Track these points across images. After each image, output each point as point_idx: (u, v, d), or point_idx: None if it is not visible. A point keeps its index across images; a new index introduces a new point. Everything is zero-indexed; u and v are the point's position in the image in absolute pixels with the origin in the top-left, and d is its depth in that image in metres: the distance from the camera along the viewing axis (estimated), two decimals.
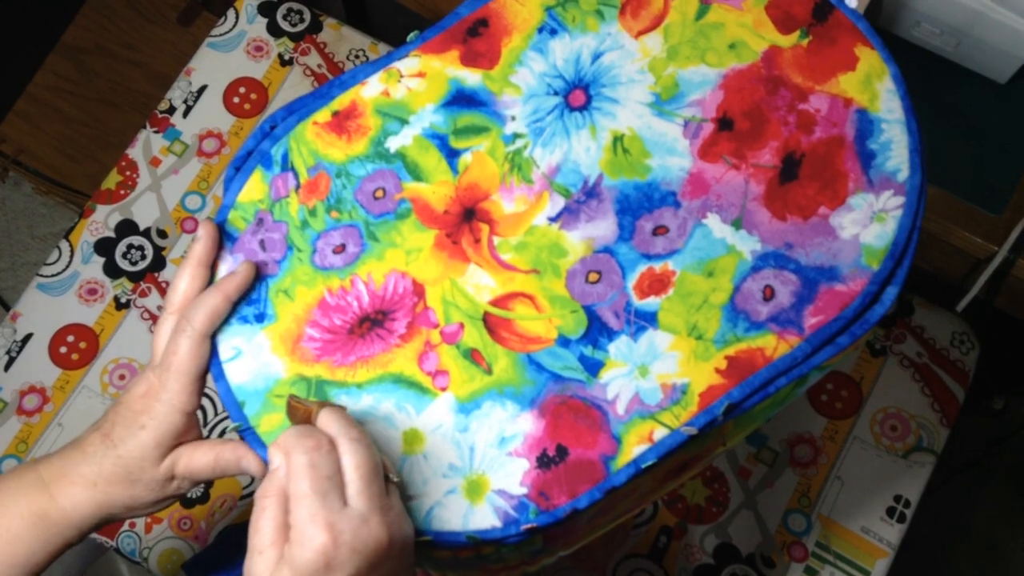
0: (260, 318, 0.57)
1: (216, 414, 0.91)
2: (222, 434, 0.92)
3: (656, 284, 0.57)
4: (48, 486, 0.55)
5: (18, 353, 0.95)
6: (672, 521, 0.89)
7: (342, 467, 0.48)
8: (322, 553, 0.46)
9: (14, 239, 1.50)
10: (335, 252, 0.58)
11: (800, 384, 0.56)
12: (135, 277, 0.97)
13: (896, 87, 0.59)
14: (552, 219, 0.58)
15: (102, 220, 0.99)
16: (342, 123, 0.61)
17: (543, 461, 0.54)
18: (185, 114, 1.01)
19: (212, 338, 0.56)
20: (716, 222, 0.58)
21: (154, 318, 0.95)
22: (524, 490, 0.53)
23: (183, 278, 0.57)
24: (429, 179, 0.59)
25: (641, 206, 0.58)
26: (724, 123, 0.59)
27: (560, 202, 0.59)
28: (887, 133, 0.58)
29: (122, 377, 0.93)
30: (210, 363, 0.56)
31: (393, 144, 0.60)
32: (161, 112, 1.02)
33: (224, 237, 0.59)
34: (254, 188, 0.60)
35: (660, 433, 0.54)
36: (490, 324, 0.56)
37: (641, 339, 0.56)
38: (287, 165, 0.60)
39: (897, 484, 0.90)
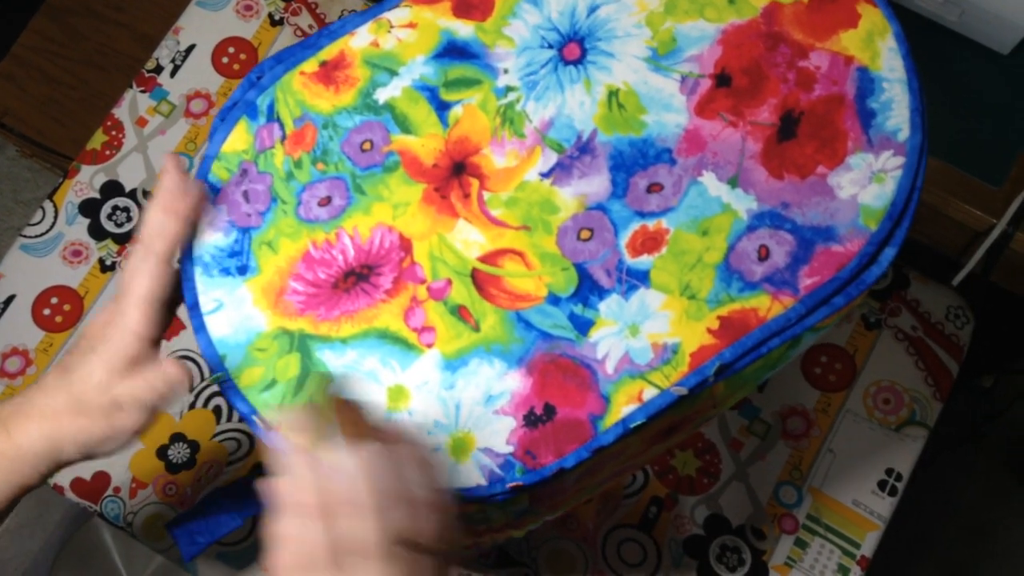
0: (242, 270, 0.56)
1: (202, 379, 0.90)
2: (208, 400, 0.90)
3: (649, 242, 0.55)
4: (6, 423, 0.54)
5: (1, 314, 0.93)
6: (663, 492, 0.88)
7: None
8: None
9: None
10: (320, 205, 0.57)
11: (793, 346, 0.55)
12: (120, 239, 0.95)
13: (898, 45, 0.58)
14: (544, 175, 0.57)
15: (87, 181, 0.97)
16: (330, 73, 0.59)
17: (530, 420, 0.52)
18: (172, 74, 1.00)
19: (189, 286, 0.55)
20: (712, 180, 0.56)
21: None
22: (510, 448, 0.52)
23: (152, 211, 0.55)
24: (418, 132, 0.58)
25: (635, 163, 0.57)
26: (722, 79, 0.58)
27: (552, 157, 0.57)
28: (888, 92, 0.57)
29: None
30: (181, 296, 0.55)
31: (382, 96, 0.59)
32: (148, 71, 1.00)
33: (208, 188, 0.57)
34: (239, 138, 0.58)
35: (650, 393, 0.53)
36: (478, 281, 0.55)
37: (632, 298, 0.54)
38: (273, 116, 0.59)
39: (889, 457, 0.89)
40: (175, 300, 0.55)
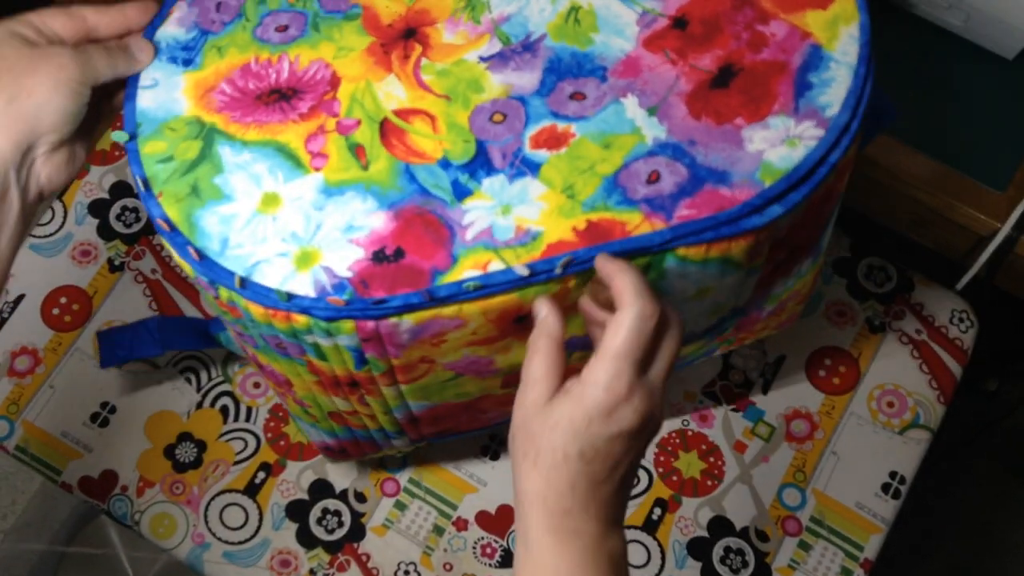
0: (187, 63, 0.60)
1: (210, 379, 0.91)
2: (216, 400, 0.91)
3: (552, 140, 0.57)
4: None
5: (10, 314, 0.94)
6: (666, 493, 0.87)
7: (660, 343, 0.51)
8: (613, 400, 0.49)
9: None
10: (277, 30, 0.61)
11: (655, 270, 0.55)
12: (129, 239, 0.95)
13: (860, 35, 0.58)
14: (483, 58, 0.59)
15: (96, 181, 0.98)
16: None
17: (378, 256, 0.54)
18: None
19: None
20: (633, 103, 0.57)
21: (148, 281, 0.94)
22: (349, 274, 0.53)
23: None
24: None
25: (569, 71, 0.58)
26: (679, 22, 0.59)
27: (497, 46, 0.60)
28: (832, 71, 0.57)
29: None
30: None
31: None
32: None
33: None
34: None
35: (496, 266, 0.53)
36: (385, 129, 0.58)
37: (517, 182, 0.56)
38: None
39: (893, 460, 0.87)
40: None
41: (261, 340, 0.58)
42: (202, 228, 0.55)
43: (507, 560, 0.87)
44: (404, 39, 0.60)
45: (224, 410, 0.90)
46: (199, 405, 0.90)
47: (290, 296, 0.53)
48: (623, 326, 0.49)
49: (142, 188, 0.56)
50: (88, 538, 1.27)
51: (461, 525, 0.87)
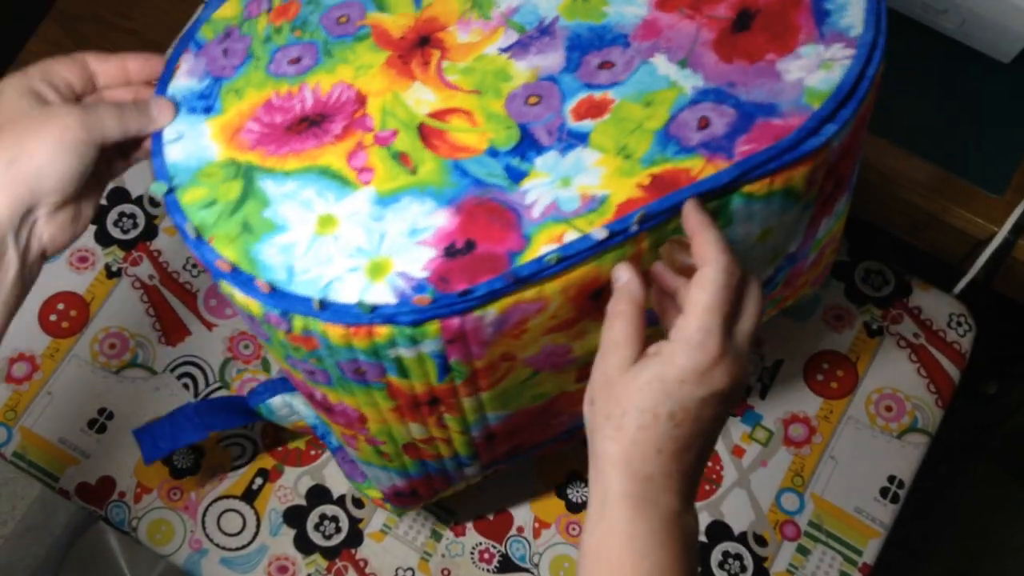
0: (208, 110, 0.59)
1: (208, 384, 0.90)
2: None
3: (593, 109, 0.56)
4: None
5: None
6: None
7: (743, 304, 0.50)
8: (707, 359, 0.48)
9: None
10: (290, 63, 0.60)
11: (724, 212, 0.54)
12: (127, 245, 0.95)
13: None
14: (503, 49, 0.59)
15: None
16: None
17: (450, 251, 0.53)
18: None
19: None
20: (662, 61, 0.58)
21: (146, 287, 0.94)
22: (425, 274, 0.52)
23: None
24: (392, 10, 0.61)
25: (592, 44, 0.59)
26: None
27: (513, 36, 0.60)
28: None
29: (112, 346, 0.92)
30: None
31: None
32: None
33: (192, 44, 0.62)
34: (229, 8, 0.63)
35: (571, 236, 0.52)
36: (424, 132, 0.57)
37: (569, 154, 0.55)
38: None
39: (891, 465, 0.87)
40: None
41: (336, 371, 0.56)
42: (263, 262, 0.53)
43: (505, 566, 0.86)
44: (420, 47, 0.60)
45: None
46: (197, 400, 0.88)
47: (374, 308, 0.51)
48: (710, 280, 0.49)
49: (192, 236, 0.54)
50: (88, 543, 1.26)
51: (459, 531, 0.86)
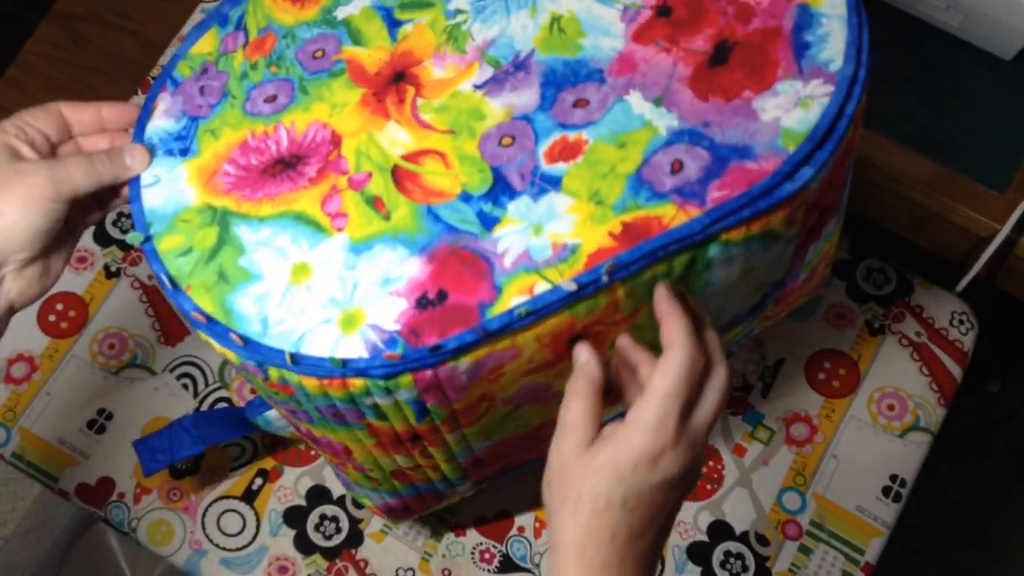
0: (184, 152, 0.59)
1: (207, 385, 0.91)
2: (213, 406, 0.91)
3: (567, 151, 0.56)
4: None
5: (6, 321, 0.95)
6: None
7: (704, 389, 0.51)
8: (660, 445, 0.48)
9: None
10: (266, 101, 0.60)
11: (702, 260, 0.54)
12: (125, 245, 0.96)
13: None
14: (478, 86, 0.59)
15: None
16: None
17: (421, 303, 0.53)
18: None
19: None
20: (637, 99, 0.57)
21: (144, 288, 0.94)
22: (397, 327, 0.52)
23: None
24: (368, 44, 0.61)
25: (567, 80, 0.58)
26: (662, 10, 0.59)
27: (488, 72, 0.59)
28: (826, 27, 0.56)
29: (111, 346, 0.92)
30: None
31: (341, 13, 0.62)
32: (153, 79, 1.03)
33: (169, 82, 0.61)
34: (206, 43, 0.63)
35: (541, 287, 0.52)
36: (397, 176, 0.57)
37: (541, 200, 0.55)
38: (241, 25, 0.63)
39: (893, 463, 0.87)
40: None
41: (316, 413, 0.57)
42: (238, 312, 0.54)
43: (506, 566, 0.86)
44: (395, 83, 0.59)
45: None
46: (196, 411, 0.90)
47: (345, 362, 0.52)
48: (673, 366, 0.49)
49: (169, 286, 0.55)
50: (88, 544, 1.26)
51: (460, 531, 0.87)
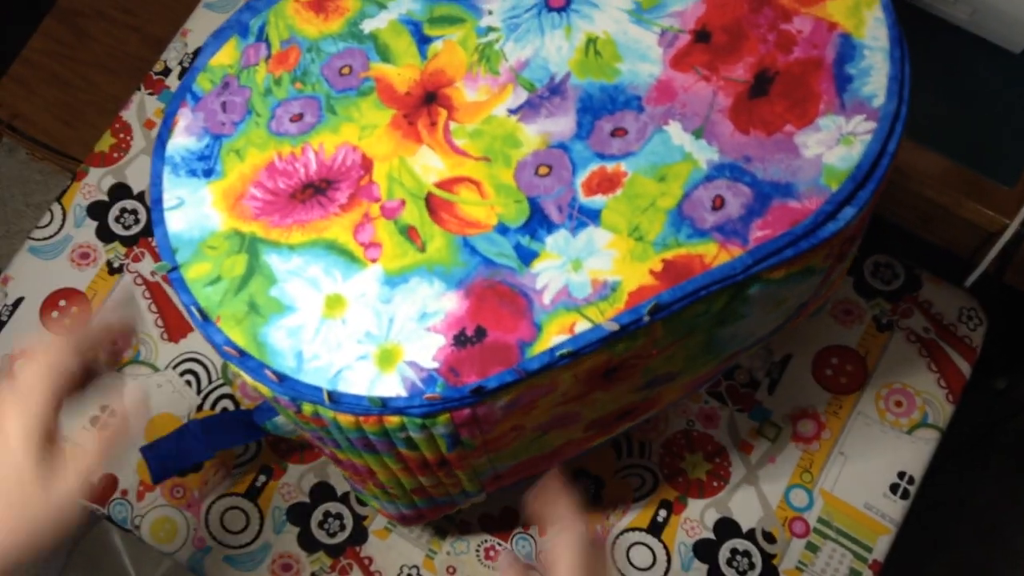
0: (208, 173, 0.57)
1: (211, 382, 0.90)
2: (216, 402, 0.90)
3: (605, 183, 0.55)
4: None
5: (8, 317, 0.92)
6: (672, 495, 0.87)
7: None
8: None
9: (8, 206, 1.45)
10: (292, 120, 0.58)
11: (741, 299, 0.54)
12: (128, 241, 0.94)
13: (885, 15, 0.57)
14: (512, 111, 0.57)
15: (95, 183, 0.96)
16: (322, 2, 0.61)
17: (460, 340, 0.52)
18: (180, 76, 1.00)
19: (159, 188, 0.57)
20: (677, 129, 0.56)
21: (147, 283, 0.92)
22: (436, 365, 0.52)
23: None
24: (397, 61, 0.59)
25: (604, 107, 0.57)
26: (701, 35, 0.58)
27: (523, 95, 0.58)
28: (868, 59, 0.56)
29: (113, 342, 0.91)
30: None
31: (368, 26, 0.60)
32: (156, 74, 1.00)
33: (189, 96, 0.59)
34: (226, 54, 0.60)
35: (582, 326, 0.52)
36: (432, 204, 0.55)
37: (580, 234, 0.54)
38: (262, 36, 0.60)
39: (901, 460, 0.87)
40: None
41: (346, 443, 0.57)
42: (272, 346, 0.53)
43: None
44: (426, 105, 0.58)
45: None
46: (199, 408, 0.89)
47: (384, 402, 0.51)
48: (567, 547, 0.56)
49: (199, 318, 0.54)
50: (92, 542, 1.24)
51: (464, 528, 0.87)
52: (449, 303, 0.53)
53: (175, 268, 0.55)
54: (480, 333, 0.52)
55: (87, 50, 1.28)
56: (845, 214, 0.53)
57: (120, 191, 0.96)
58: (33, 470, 0.52)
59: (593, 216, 0.54)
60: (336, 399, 0.51)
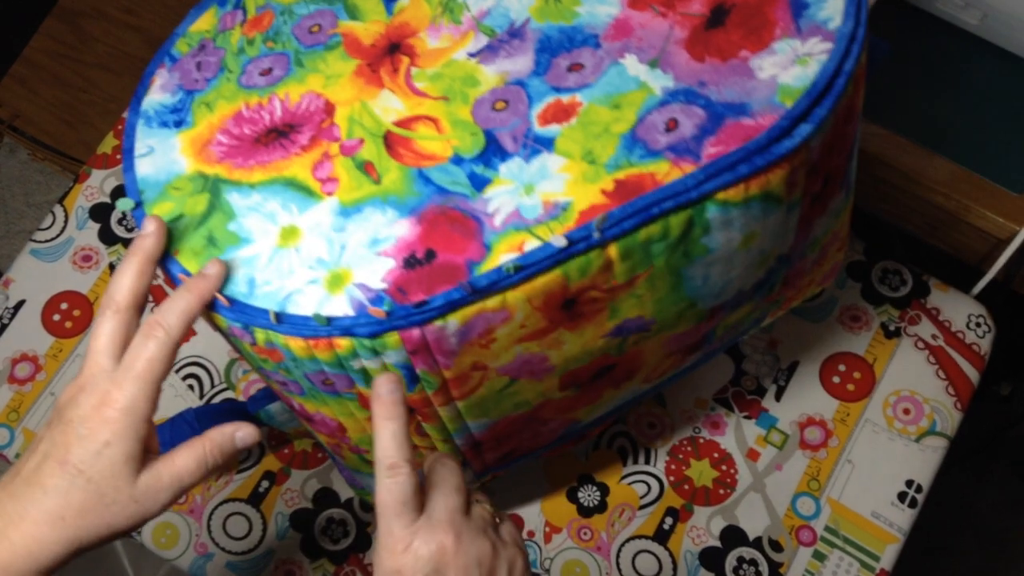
0: (178, 124, 0.59)
1: (213, 385, 0.90)
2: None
3: (560, 113, 0.55)
4: (5, 531, 0.50)
5: (10, 320, 0.92)
6: (678, 503, 0.85)
7: (433, 480, 0.54)
8: (394, 561, 0.51)
9: (9, 207, 1.45)
10: (261, 74, 0.60)
11: (700, 223, 0.52)
12: (130, 243, 0.95)
13: None
14: (472, 54, 0.58)
15: (97, 185, 0.96)
16: None
17: (409, 262, 0.52)
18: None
19: (130, 139, 0.59)
20: (633, 62, 0.56)
21: (149, 287, 0.94)
22: (384, 285, 0.51)
23: (129, 275, 0.53)
24: (364, 17, 0.61)
25: (561, 46, 0.57)
26: None
27: (483, 40, 0.58)
28: None
29: None
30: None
31: None
32: None
33: (167, 58, 0.62)
34: (205, 21, 0.63)
35: (531, 244, 0.51)
36: (389, 141, 0.56)
37: (534, 161, 0.54)
38: (239, 4, 0.63)
39: (909, 468, 0.84)
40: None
41: (306, 381, 0.56)
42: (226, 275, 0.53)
43: None
44: (389, 55, 0.59)
45: None
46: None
47: (330, 320, 0.51)
48: (377, 485, 0.51)
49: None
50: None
51: None
52: (401, 229, 0.53)
53: (139, 204, 0.56)
54: (429, 255, 0.52)
55: (88, 50, 1.27)
56: (801, 131, 0.52)
57: (122, 193, 0.97)
58: (131, 473, 0.51)
59: (547, 144, 0.54)
60: (282, 319, 0.51)
